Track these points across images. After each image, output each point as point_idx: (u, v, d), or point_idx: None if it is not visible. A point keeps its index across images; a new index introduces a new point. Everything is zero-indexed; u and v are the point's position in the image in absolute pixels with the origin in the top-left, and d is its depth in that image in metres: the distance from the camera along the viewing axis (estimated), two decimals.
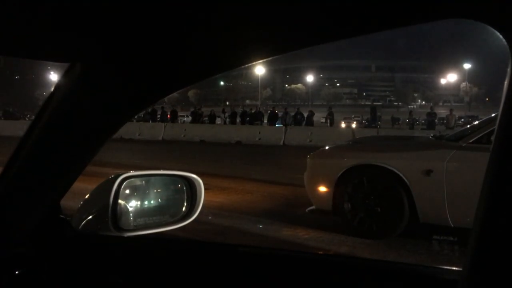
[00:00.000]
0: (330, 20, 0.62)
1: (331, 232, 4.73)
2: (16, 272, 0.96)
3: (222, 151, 15.05)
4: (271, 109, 25.93)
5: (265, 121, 25.22)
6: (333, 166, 4.77)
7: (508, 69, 0.47)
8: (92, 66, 0.81)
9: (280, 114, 25.64)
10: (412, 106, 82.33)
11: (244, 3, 0.63)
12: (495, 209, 0.44)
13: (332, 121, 24.87)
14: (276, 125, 22.58)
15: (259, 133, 19.33)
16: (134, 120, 20.50)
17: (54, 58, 0.86)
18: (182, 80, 0.83)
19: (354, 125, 35.17)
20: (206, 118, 26.78)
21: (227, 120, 25.82)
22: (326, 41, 0.67)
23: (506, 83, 0.46)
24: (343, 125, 36.08)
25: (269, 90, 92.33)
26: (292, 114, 24.28)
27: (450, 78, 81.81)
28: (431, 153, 4.43)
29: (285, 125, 21.83)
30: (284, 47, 0.70)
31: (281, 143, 18.06)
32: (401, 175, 4.35)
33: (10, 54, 0.86)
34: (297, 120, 23.04)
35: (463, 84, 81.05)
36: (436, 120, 24.10)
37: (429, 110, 24.64)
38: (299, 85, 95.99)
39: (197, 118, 25.31)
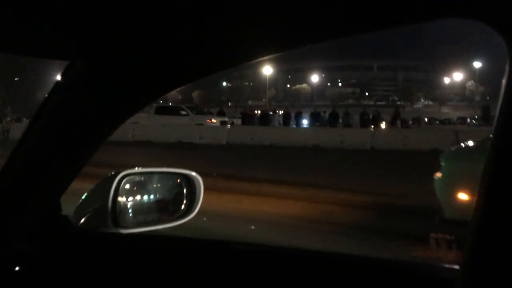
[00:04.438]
0: (332, 19, 0.62)
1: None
2: (16, 269, 0.96)
3: (295, 156, 13.08)
4: (283, 110, 25.36)
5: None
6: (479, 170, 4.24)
7: (506, 68, 0.46)
8: (93, 63, 0.81)
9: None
10: (417, 106, 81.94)
11: (247, 1, 0.63)
12: (493, 208, 0.44)
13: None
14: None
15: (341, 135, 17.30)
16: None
17: (54, 55, 0.87)
18: (183, 78, 0.83)
19: None
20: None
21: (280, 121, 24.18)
22: (327, 40, 0.67)
23: (504, 82, 0.46)
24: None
25: (273, 90, 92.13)
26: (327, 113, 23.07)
27: (456, 77, 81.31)
28: None
29: (347, 125, 20.80)
30: (286, 45, 0.70)
31: (369, 147, 16.04)
32: None
33: (11, 52, 0.87)
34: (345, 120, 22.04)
35: (469, 84, 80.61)
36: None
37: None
38: (304, 85, 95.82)
39: (248, 119, 23.45)
